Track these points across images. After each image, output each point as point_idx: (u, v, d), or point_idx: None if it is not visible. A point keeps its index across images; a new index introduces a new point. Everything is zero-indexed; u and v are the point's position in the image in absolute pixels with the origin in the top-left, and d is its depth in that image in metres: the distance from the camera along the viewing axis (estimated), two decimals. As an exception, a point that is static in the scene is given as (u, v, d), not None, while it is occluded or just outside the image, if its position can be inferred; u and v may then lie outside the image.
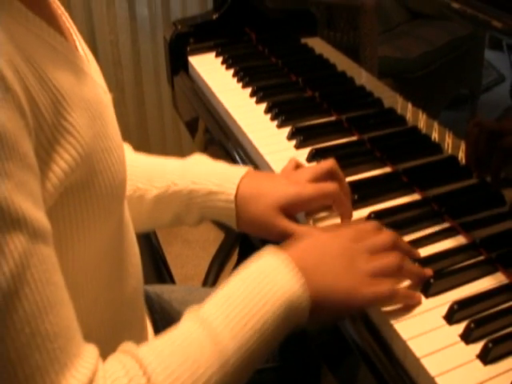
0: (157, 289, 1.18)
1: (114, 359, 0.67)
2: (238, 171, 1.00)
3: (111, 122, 0.77)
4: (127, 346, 0.69)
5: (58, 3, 0.82)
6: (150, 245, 1.45)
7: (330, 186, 0.96)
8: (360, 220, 0.98)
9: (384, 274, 0.82)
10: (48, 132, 0.63)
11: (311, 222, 1.00)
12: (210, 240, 2.59)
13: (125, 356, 0.67)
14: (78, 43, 0.80)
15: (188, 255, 2.52)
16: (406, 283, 0.86)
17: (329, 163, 1.00)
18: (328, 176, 0.99)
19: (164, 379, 0.65)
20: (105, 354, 0.69)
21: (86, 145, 0.67)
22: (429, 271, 0.86)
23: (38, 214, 0.60)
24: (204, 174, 1.00)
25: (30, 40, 0.65)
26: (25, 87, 0.60)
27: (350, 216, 0.99)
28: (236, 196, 0.97)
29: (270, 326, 0.73)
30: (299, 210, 0.98)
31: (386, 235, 0.87)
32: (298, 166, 1.06)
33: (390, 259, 0.83)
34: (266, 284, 0.74)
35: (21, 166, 0.58)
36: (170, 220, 1.03)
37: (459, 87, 1.06)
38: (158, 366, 0.65)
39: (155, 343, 0.69)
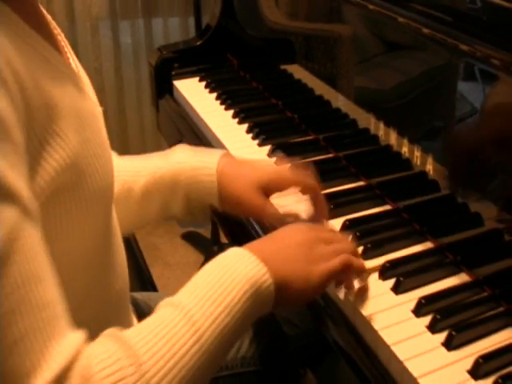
0: (144, 295, 1.24)
1: (96, 343, 0.70)
2: (217, 151, 1.11)
3: (100, 131, 0.83)
4: (109, 330, 0.73)
5: (55, 24, 0.88)
6: (133, 255, 1.51)
7: (310, 179, 1.05)
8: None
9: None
10: (38, 132, 0.68)
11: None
12: (190, 263, 2.64)
13: (108, 339, 0.71)
14: (71, 60, 0.87)
15: (169, 277, 2.57)
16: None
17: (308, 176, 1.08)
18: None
19: (145, 352, 0.69)
20: None
21: (73, 148, 0.73)
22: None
23: (28, 195, 0.64)
24: (187, 155, 1.08)
25: (26, 50, 0.71)
26: (20, 87, 0.65)
27: (326, 215, 1.06)
28: (217, 172, 1.05)
29: (239, 306, 0.77)
30: (276, 190, 1.06)
31: (343, 237, 0.95)
32: None
33: (344, 245, 0.90)
34: (231, 273, 0.78)
35: (14, 150, 0.63)
36: (158, 209, 1.09)
37: (433, 119, 1.14)
38: (140, 341, 0.69)
39: (135, 327, 0.74)
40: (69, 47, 0.89)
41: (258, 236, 1.16)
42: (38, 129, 0.68)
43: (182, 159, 1.08)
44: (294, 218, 1.04)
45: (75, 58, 0.89)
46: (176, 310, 0.74)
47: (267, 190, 1.04)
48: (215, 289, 0.76)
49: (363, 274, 0.92)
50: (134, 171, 1.08)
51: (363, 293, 0.92)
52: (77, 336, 0.66)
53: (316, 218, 1.05)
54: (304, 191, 1.06)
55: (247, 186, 1.03)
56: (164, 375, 0.69)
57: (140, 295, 1.23)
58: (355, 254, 0.92)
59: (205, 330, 0.73)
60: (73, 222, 0.75)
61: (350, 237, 1.01)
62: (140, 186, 1.07)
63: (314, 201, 1.05)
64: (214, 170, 1.05)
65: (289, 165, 1.08)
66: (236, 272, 0.78)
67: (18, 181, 0.62)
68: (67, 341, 0.64)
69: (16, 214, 0.61)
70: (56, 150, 0.70)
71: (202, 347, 0.73)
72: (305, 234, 0.89)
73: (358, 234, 1.03)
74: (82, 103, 0.79)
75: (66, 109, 0.73)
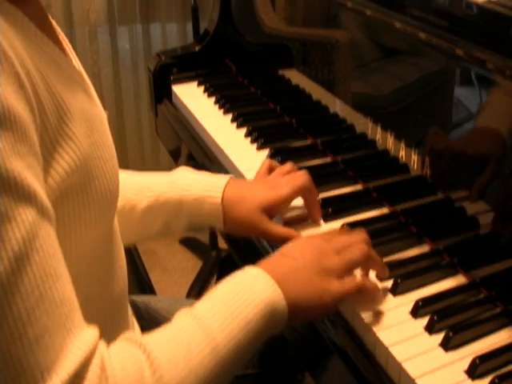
0: (144, 298, 1.25)
1: (117, 344, 0.73)
2: (222, 178, 1.12)
3: (107, 135, 0.84)
4: (128, 334, 0.76)
5: (59, 30, 0.90)
6: (132, 260, 1.52)
7: (300, 178, 1.10)
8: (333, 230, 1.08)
9: (352, 267, 0.91)
10: (51, 133, 0.70)
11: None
12: (189, 268, 2.65)
13: (129, 341, 0.73)
14: (77, 66, 0.88)
15: (167, 282, 2.57)
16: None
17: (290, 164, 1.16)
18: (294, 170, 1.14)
19: (162, 358, 0.71)
20: None
21: (83, 150, 0.74)
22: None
23: (44, 196, 0.66)
24: (191, 181, 1.11)
25: (37, 53, 0.72)
26: (34, 89, 0.67)
27: (318, 205, 1.13)
28: (222, 200, 1.08)
29: (254, 324, 0.80)
30: (278, 210, 1.11)
31: (355, 236, 0.95)
32: (271, 167, 1.18)
33: (355, 252, 0.91)
34: (248, 292, 0.81)
35: (31, 151, 0.64)
36: (159, 229, 1.11)
37: (430, 124, 1.15)
38: (158, 346, 0.72)
39: (153, 333, 0.76)
40: (73, 53, 0.90)
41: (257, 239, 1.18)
42: (50, 130, 0.70)
43: (187, 186, 1.11)
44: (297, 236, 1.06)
45: (79, 64, 0.90)
46: (194, 321, 0.76)
47: (270, 212, 1.08)
48: (232, 305, 0.79)
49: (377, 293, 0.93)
50: (137, 190, 1.11)
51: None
52: (92, 330, 0.69)
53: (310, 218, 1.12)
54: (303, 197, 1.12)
55: (250, 211, 1.07)
56: (178, 382, 0.71)
57: (139, 298, 1.24)
58: (370, 256, 0.92)
59: (220, 342, 0.75)
60: (80, 222, 0.77)
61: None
62: (142, 206, 1.09)
63: (307, 202, 1.11)
64: (218, 198, 1.09)
65: (279, 174, 1.13)
66: (252, 291, 0.81)
67: (34, 181, 0.64)
68: (84, 335, 0.67)
69: (34, 213, 0.63)
70: (67, 151, 0.72)
71: (217, 359, 0.75)
72: (315, 249, 0.91)
73: (356, 236, 1.04)
74: (90, 107, 0.80)
75: (76, 112, 0.74)
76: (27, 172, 0.63)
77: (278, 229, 1.07)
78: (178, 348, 0.73)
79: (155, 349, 0.72)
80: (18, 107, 0.63)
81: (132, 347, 0.72)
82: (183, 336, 0.75)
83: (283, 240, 1.04)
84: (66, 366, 0.63)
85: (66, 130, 0.72)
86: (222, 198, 1.08)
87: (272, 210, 1.08)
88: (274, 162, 1.20)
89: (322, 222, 1.12)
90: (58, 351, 0.63)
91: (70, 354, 0.64)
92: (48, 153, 0.69)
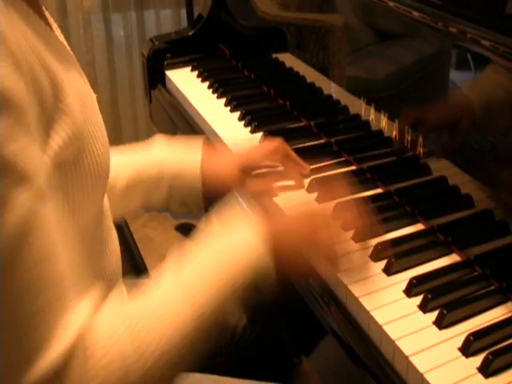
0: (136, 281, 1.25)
1: (103, 316, 0.72)
2: (195, 142, 1.17)
3: (98, 113, 0.85)
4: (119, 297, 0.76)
5: (49, 15, 0.90)
6: (127, 247, 1.51)
7: (276, 143, 1.17)
8: None
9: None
10: (47, 111, 0.70)
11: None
12: (185, 254, 2.65)
13: (115, 314, 0.73)
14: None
15: (163, 269, 2.57)
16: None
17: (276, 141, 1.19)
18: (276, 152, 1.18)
19: (144, 336, 0.71)
20: None
21: (77, 125, 0.75)
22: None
23: (40, 177, 0.67)
24: (167, 152, 1.14)
25: (31, 32, 0.72)
26: (30, 68, 0.68)
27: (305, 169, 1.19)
28: (200, 167, 1.12)
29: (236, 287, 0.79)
30: (253, 168, 1.16)
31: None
32: None
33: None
34: (239, 262, 0.81)
35: (27, 132, 0.65)
36: (138, 205, 1.14)
37: (425, 105, 1.14)
38: (144, 327, 0.72)
39: (142, 302, 0.76)
40: (61, 34, 0.90)
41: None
42: (46, 108, 0.70)
43: (163, 157, 1.13)
44: (274, 191, 1.14)
45: (68, 48, 0.90)
46: (180, 292, 0.76)
47: (246, 169, 1.14)
48: (221, 276, 0.78)
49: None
50: (115, 168, 1.09)
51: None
52: (83, 309, 0.69)
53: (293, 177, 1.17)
54: (276, 160, 1.17)
55: (228, 172, 1.12)
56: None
57: (132, 281, 1.23)
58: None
59: (189, 280, 0.76)
60: (71, 199, 0.77)
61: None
62: (122, 182, 1.10)
63: (285, 164, 1.16)
64: (196, 167, 1.12)
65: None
66: (243, 261, 0.80)
67: (30, 163, 0.65)
68: (74, 317, 0.67)
69: (29, 196, 0.64)
70: (62, 127, 0.72)
71: (187, 297, 0.75)
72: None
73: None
74: (82, 85, 0.81)
75: (69, 88, 0.74)
76: (23, 154, 0.64)
77: (253, 184, 1.13)
78: (164, 325, 0.73)
79: (141, 330, 0.71)
80: (15, 88, 0.64)
81: (119, 325, 0.71)
82: (172, 316, 0.74)
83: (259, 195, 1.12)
84: (54, 348, 0.64)
85: (60, 107, 0.72)
86: (200, 165, 1.12)
87: (248, 168, 1.14)
88: None
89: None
90: (47, 333, 0.64)
91: (58, 337, 0.65)
92: (44, 130, 0.70)
